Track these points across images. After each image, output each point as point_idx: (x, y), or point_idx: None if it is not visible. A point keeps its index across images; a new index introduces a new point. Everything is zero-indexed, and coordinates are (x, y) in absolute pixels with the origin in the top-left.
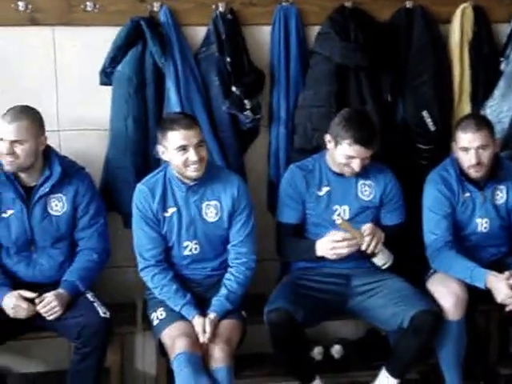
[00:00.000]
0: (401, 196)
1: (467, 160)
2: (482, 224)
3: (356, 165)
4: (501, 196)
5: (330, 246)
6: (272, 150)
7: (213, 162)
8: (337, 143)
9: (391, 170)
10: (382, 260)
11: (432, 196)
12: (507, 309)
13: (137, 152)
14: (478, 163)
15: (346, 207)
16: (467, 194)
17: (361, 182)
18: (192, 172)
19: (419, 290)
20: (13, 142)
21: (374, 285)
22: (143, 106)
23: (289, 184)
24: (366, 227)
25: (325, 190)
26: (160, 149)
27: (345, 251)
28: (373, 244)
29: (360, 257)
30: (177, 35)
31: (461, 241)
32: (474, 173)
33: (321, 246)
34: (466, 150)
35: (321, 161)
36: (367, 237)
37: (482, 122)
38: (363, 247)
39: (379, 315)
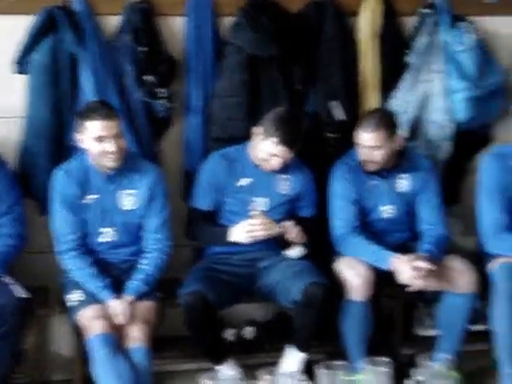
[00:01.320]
0: (316, 190)
1: (360, 155)
2: (386, 211)
3: (276, 163)
4: (405, 184)
5: (246, 228)
6: (187, 139)
7: (130, 151)
8: (264, 138)
9: (307, 167)
10: (294, 253)
11: (338, 183)
12: (409, 289)
13: (52, 139)
14: (371, 161)
15: (265, 199)
16: (372, 182)
17: (280, 176)
18: (109, 162)
19: (313, 265)
20: None
21: (275, 264)
22: (58, 94)
23: (210, 172)
24: (287, 225)
25: (245, 180)
26: (78, 137)
27: (260, 233)
28: (293, 237)
29: (271, 241)
30: (91, 24)
31: (367, 227)
32: (367, 167)
33: (236, 230)
34: (360, 145)
35: (243, 151)
36: (291, 232)
37: (380, 123)
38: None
39: (277, 291)
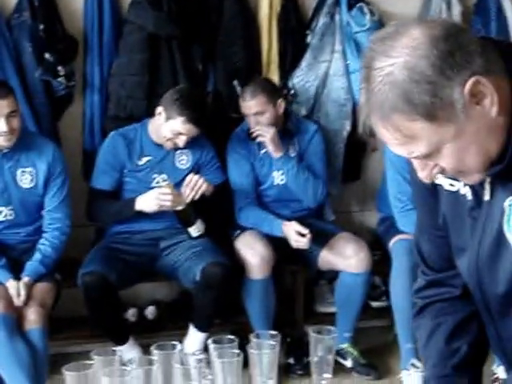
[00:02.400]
0: (217, 158)
1: (249, 124)
2: (278, 177)
3: (182, 142)
4: (294, 149)
5: (155, 195)
6: (86, 118)
7: (27, 129)
8: (168, 118)
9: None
10: (196, 231)
11: (232, 157)
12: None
13: None
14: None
15: (165, 176)
16: (264, 150)
17: (178, 151)
18: (1, 142)
19: (213, 245)
20: None
21: (176, 244)
22: None
23: (109, 151)
24: (188, 177)
25: (145, 159)
26: None
27: (168, 204)
28: (191, 193)
29: (173, 220)
30: None
31: (262, 196)
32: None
33: (144, 197)
34: (246, 115)
35: (142, 130)
36: (188, 186)
37: (257, 89)
38: (186, 194)
39: (178, 271)
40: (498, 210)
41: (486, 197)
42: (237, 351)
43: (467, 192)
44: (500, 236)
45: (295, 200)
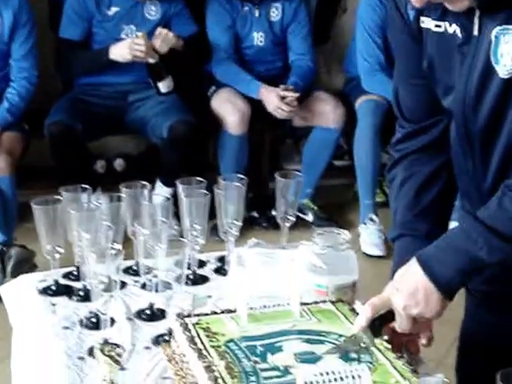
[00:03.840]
0: (186, 9)
1: None
2: (258, 38)
3: None
4: (276, 13)
5: (129, 45)
6: None
7: None
8: None
9: None
10: (166, 86)
11: (213, 9)
12: (277, 116)
13: None
14: None
15: (134, 27)
16: (246, 8)
17: (147, 2)
18: None
19: (181, 103)
20: None
21: (145, 98)
22: None
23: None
24: (158, 31)
25: (114, 9)
26: None
27: (142, 54)
28: (162, 45)
29: (142, 75)
30: None
31: (240, 54)
32: None
33: (117, 46)
34: None
35: None
36: (158, 39)
37: None
38: (156, 45)
39: (147, 126)
40: (486, 43)
41: (475, 31)
42: (204, 191)
43: (456, 29)
44: (487, 69)
45: (271, 60)
